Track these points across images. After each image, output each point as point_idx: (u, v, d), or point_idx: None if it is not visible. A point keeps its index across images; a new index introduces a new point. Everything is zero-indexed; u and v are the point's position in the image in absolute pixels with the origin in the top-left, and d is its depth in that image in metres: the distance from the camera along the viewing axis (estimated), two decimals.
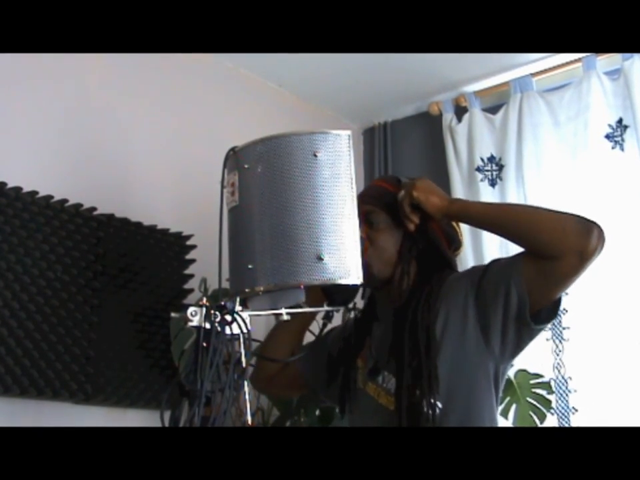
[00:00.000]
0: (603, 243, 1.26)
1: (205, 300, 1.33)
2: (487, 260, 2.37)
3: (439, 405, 1.33)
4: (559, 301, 1.34)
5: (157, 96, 2.37)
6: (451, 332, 1.36)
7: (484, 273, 1.37)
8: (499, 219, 1.38)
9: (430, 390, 1.33)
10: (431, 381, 1.33)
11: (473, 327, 1.35)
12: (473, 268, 1.45)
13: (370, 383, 1.46)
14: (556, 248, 1.27)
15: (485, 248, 2.47)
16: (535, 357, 2.32)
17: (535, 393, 2.13)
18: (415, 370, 1.35)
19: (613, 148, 2.39)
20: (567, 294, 2.34)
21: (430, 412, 1.32)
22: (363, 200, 1.45)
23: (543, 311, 1.32)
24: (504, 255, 1.42)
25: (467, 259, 2.49)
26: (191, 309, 1.31)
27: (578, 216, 1.30)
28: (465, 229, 2.44)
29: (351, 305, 1.46)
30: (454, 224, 1.50)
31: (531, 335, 1.35)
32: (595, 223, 1.27)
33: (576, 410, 2.32)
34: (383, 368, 1.44)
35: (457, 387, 1.35)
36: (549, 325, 1.37)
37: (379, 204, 1.48)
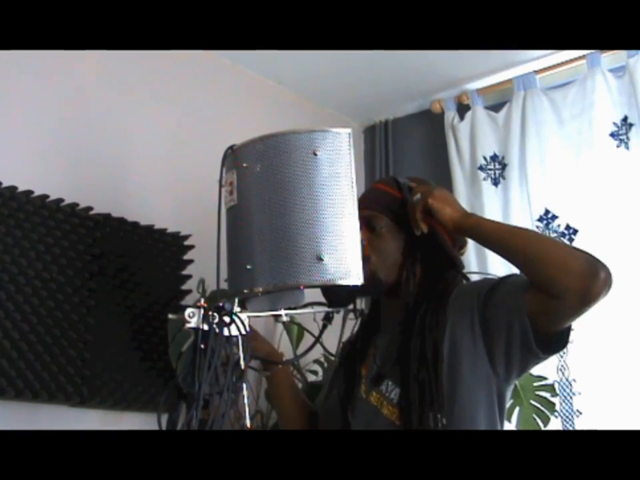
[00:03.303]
0: (609, 288, 1.20)
1: (203, 301, 1.33)
2: (489, 260, 2.39)
3: (444, 421, 1.30)
4: (568, 329, 1.29)
5: (154, 94, 2.35)
6: (458, 349, 1.33)
7: (491, 293, 1.32)
8: (508, 245, 1.32)
9: (437, 406, 1.30)
10: (438, 398, 1.30)
11: (480, 347, 1.32)
12: (482, 282, 1.41)
13: (373, 392, 1.44)
14: (557, 286, 1.21)
15: (489, 253, 2.44)
16: None
17: (538, 395, 2.10)
18: (421, 385, 1.32)
19: (618, 146, 2.36)
20: None
21: (434, 427, 1.29)
22: (363, 204, 1.42)
23: (552, 337, 1.28)
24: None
25: (469, 264, 2.47)
26: (188, 310, 1.31)
27: (588, 255, 1.24)
28: None
29: (354, 308, 1.43)
30: None
31: (537, 362, 1.32)
32: (603, 266, 1.20)
33: (580, 413, 2.30)
34: (386, 376, 1.41)
35: (457, 405, 1.32)
36: (559, 354, 1.32)
37: (379, 208, 1.47)
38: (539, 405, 2.09)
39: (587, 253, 1.25)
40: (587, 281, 1.18)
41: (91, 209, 2.00)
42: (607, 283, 1.19)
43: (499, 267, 2.22)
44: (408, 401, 1.33)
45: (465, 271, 1.50)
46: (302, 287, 1.26)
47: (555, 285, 1.21)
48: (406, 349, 1.36)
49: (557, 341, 1.29)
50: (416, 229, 1.41)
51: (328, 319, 1.43)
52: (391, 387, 1.39)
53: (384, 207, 1.46)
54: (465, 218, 1.36)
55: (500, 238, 1.34)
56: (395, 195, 1.47)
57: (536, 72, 2.57)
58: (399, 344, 1.39)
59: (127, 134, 2.24)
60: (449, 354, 1.33)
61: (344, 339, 1.59)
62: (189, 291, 2.16)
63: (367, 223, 1.44)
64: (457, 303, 1.36)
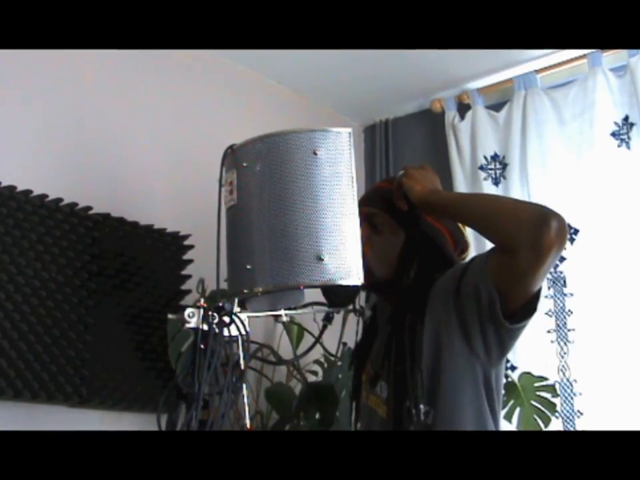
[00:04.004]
0: (562, 237, 1.17)
1: (202, 301, 1.32)
2: None
3: (426, 410, 1.29)
4: (535, 298, 1.25)
5: (154, 93, 2.35)
6: (435, 336, 1.31)
7: (463, 273, 1.31)
8: (464, 210, 1.32)
9: (415, 396, 1.29)
10: (415, 387, 1.29)
11: (456, 331, 1.30)
12: (456, 266, 1.39)
13: (371, 395, 1.43)
14: (509, 240, 1.20)
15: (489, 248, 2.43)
16: (540, 359, 2.31)
17: (539, 396, 2.10)
18: (401, 377, 1.31)
19: (619, 146, 2.36)
20: (571, 295, 2.36)
21: (416, 418, 1.28)
22: (365, 202, 1.42)
23: (519, 309, 1.25)
24: None
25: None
26: (188, 310, 1.30)
27: (537, 206, 1.22)
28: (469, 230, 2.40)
29: (354, 308, 1.43)
30: (460, 225, 1.47)
31: (512, 336, 1.28)
32: (554, 214, 1.17)
33: (581, 413, 2.29)
34: (381, 378, 1.40)
35: (441, 393, 1.30)
36: (528, 323, 1.28)
37: (380, 205, 1.46)
38: (539, 406, 2.09)
39: (539, 204, 1.23)
40: (537, 230, 1.15)
41: (90, 208, 2.00)
42: (559, 231, 1.16)
43: None
44: (390, 395, 1.33)
45: None
46: (302, 287, 1.25)
47: (507, 239, 1.20)
48: (389, 348, 1.36)
49: (524, 310, 1.25)
50: (398, 205, 1.40)
51: (328, 319, 1.42)
52: (384, 386, 1.39)
53: (385, 204, 1.45)
54: (429, 195, 1.35)
55: (458, 206, 1.33)
56: (391, 188, 1.46)
57: (537, 71, 2.57)
58: (385, 344, 1.39)
59: (126, 133, 2.24)
60: (429, 343, 1.31)
61: (344, 340, 1.59)
62: (188, 291, 2.15)
63: (368, 220, 1.43)
64: (435, 292, 1.35)
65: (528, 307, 1.25)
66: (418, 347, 1.30)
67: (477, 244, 2.46)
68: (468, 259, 1.41)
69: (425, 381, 1.29)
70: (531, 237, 1.16)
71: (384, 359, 1.38)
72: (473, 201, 1.36)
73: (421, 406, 1.29)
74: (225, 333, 1.29)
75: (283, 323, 1.36)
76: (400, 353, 1.32)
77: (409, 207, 1.39)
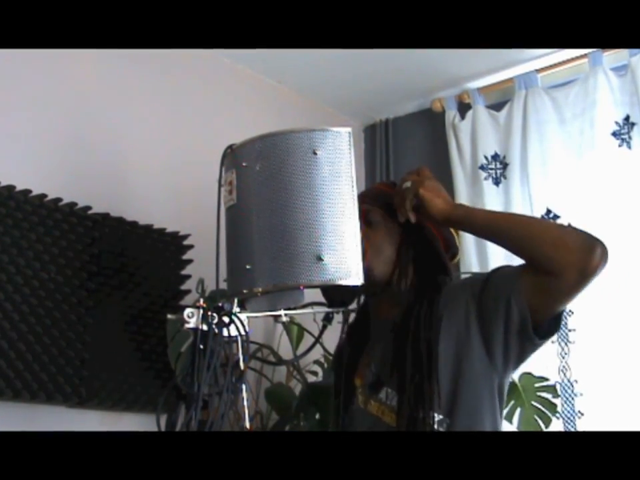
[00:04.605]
0: (606, 262, 1.23)
1: (202, 301, 1.32)
2: (491, 266, 2.38)
3: (440, 419, 1.30)
4: (561, 314, 1.30)
5: (153, 93, 2.34)
6: (453, 345, 1.32)
7: (485, 284, 1.32)
8: (502, 229, 1.33)
9: (431, 406, 1.29)
10: (432, 397, 1.29)
11: (476, 341, 1.31)
12: (474, 276, 1.42)
13: (372, 402, 1.41)
14: (556, 263, 1.23)
15: (490, 254, 2.43)
16: (540, 359, 2.29)
17: (540, 396, 2.09)
18: (417, 385, 1.31)
19: (619, 146, 2.36)
20: None
21: (432, 427, 1.28)
22: (361, 200, 1.41)
23: (545, 324, 1.28)
24: (509, 262, 1.37)
25: (470, 265, 2.46)
26: (187, 311, 1.30)
27: (582, 232, 1.27)
28: (469, 235, 2.39)
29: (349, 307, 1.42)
30: (452, 230, 1.46)
31: (534, 349, 1.32)
32: (598, 241, 1.23)
33: (582, 414, 2.29)
34: (385, 384, 1.39)
35: (460, 402, 1.31)
36: (553, 338, 1.32)
37: (376, 203, 1.46)
38: (540, 406, 2.08)
39: (581, 230, 1.28)
40: (585, 255, 1.21)
41: (89, 208, 1.99)
42: (603, 256, 1.22)
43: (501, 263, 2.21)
44: (404, 404, 1.32)
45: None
46: (302, 287, 1.24)
47: (554, 262, 1.23)
48: (401, 354, 1.35)
49: (550, 326, 1.30)
50: (401, 216, 1.39)
51: (328, 319, 1.42)
52: (391, 394, 1.37)
53: (380, 201, 1.45)
54: (454, 209, 1.35)
55: (493, 225, 1.34)
56: (391, 192, 1.46)
57: (537, 71, 2.56)
58: (394, 350, 1.38)
59: (126, 133, 2.23)
60: (448, 352, 1.31)
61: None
62: (188, 291, 2.15)
63: (364, 217, 1.42)
64: (450, 301, 1.35)
65: (552, 323, 1.29)
66: (435, 356, 1.31)
67: (477, 249, 2.47)
68: (490, 267, 1.41)
69: (443, 390, 1.30)
70: (580, 262, 1.21)
71: (393, 368, 1.37)
72: (512, 221, 1.38)
73: (435, 414, 1.29)
74: (225, 333, 1.28)
75: (283, 323, 1.36)
76: (416, 362, 1.32)
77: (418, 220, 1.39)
